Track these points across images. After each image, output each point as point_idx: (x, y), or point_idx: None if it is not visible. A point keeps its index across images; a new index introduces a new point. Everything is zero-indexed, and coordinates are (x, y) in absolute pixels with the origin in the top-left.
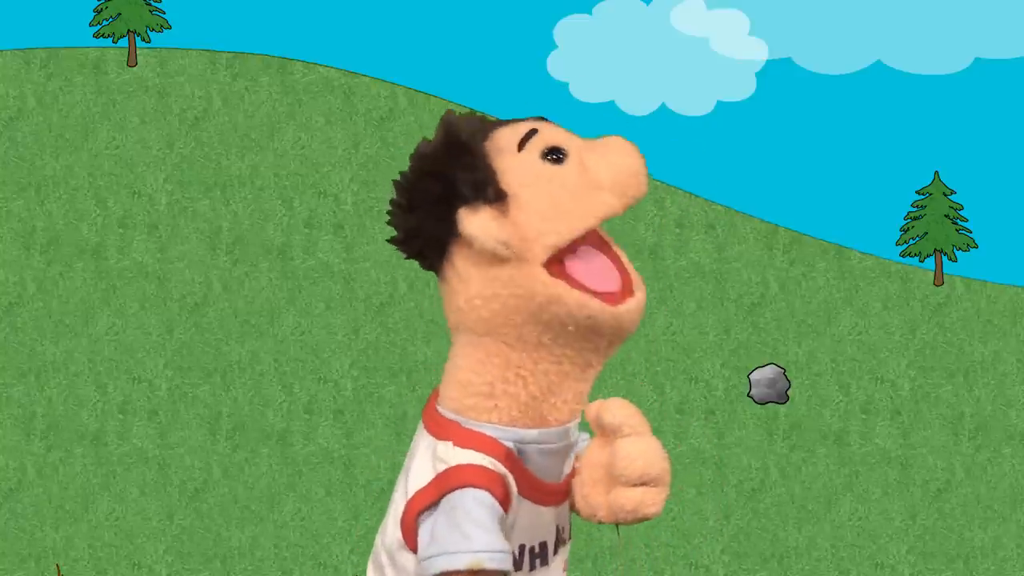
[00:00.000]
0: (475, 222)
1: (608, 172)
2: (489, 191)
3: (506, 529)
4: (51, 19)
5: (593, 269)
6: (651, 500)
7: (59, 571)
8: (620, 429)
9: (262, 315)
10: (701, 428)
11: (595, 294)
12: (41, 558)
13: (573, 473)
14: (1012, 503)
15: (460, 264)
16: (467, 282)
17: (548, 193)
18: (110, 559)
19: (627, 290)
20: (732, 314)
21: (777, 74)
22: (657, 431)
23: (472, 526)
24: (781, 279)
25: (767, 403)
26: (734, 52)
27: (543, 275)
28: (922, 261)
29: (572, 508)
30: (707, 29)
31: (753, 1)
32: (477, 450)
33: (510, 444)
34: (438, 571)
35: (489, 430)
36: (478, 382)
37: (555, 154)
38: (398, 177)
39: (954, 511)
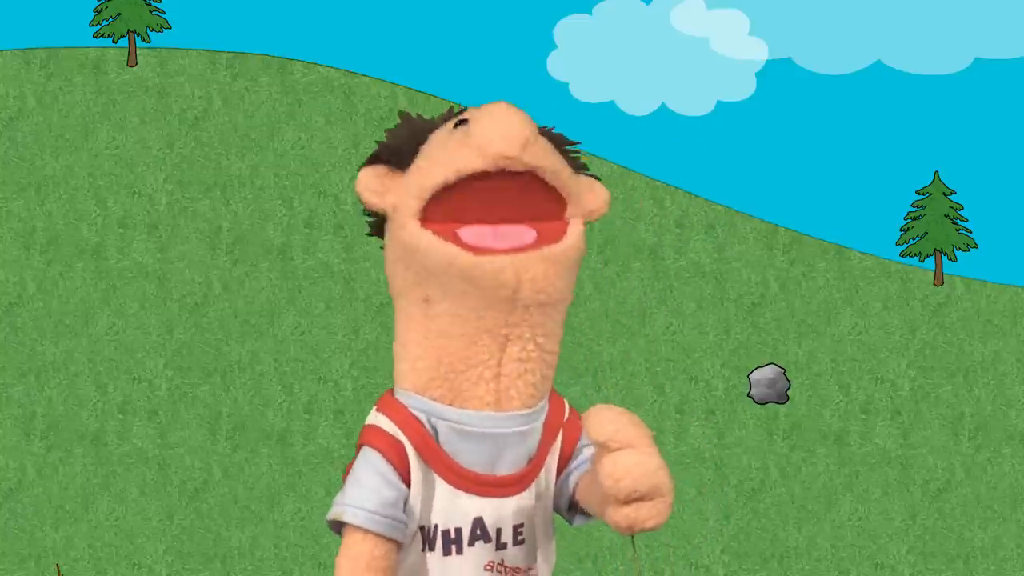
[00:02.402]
0: (360, 176)
1: (477, 132)
2: (382, 152)
3: (401, 497)
4: (51, 19)
5: (486, 233)
6: (646, 515)
7: (59, 571)
8: (607, 445)
9: (262, 315)
10: (701, 428)
11: (461, 244)
12: (41, 558)
13: (528, 471)
14: (1012, 503)
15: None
16: (385, 244)
17: (430, 154)
18: (110, 559)
19: (514, 250)
20: (732, 314)
21: (777, 74)
22: (657, 431)
23: (351, 481)
24: (781, 279)
25: (767, 403)
26: (734, 52)
27: (413, 226)
28: (922, 261)
29: (595, 514)
30: (707, 29)
31: (753, 1)
32: (384, 413)
33: (420, 415)
34: (325, 519)
35: (404, 397)
36: (399, 347)
37: (460, 123)
38: None
39: (954, 511)
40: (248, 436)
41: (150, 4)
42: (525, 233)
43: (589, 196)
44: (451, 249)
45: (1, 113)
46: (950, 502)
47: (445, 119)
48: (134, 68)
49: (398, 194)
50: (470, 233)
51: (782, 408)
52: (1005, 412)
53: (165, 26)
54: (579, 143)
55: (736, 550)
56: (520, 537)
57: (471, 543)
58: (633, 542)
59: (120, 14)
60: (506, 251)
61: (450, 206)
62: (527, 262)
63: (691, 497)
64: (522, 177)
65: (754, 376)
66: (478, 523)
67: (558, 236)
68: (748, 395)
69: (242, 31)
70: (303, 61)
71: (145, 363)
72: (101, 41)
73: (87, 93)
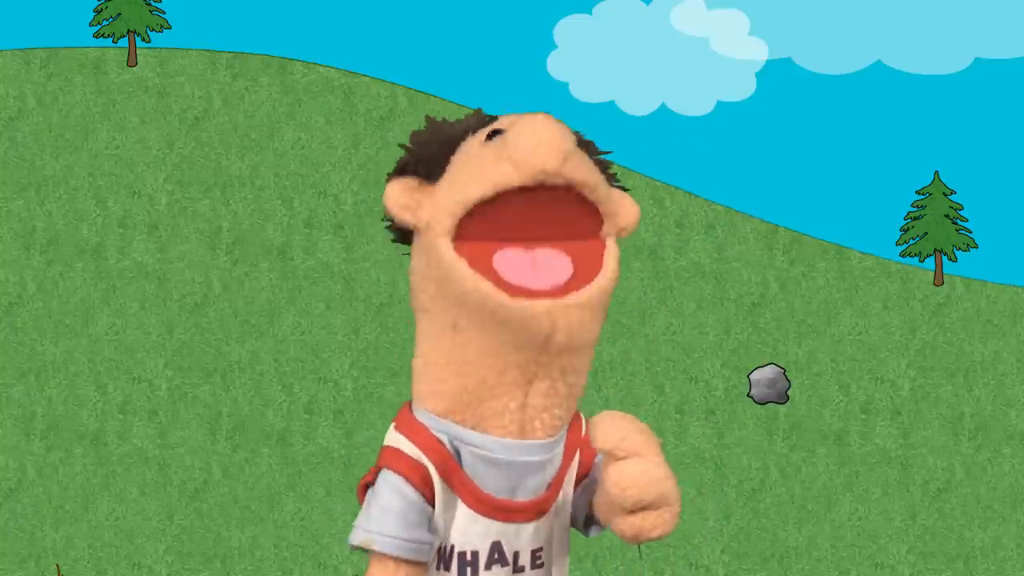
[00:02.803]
0: (387, 188)
1: (511, 143)
2: (412, 165)
3: (427, 518)
4: (51, 19)
5: (526, 265)
6: (652, 524)
7: (59, 571)
8: (613, 453)
9: (262, 315)
10: (701, 428)
11: (498, 282)
12: (41, 558)
13: (548, 496)
14: (1012, 503)
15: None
16: (411, 256)
17: (463, 167)
18: (110, 559)
19: (551, 293)
20: (732, 314)
21: (777, 74)
22: (657, 431)
23: (376, 507)
24: (781, 279)
25: (767, 403)
26: (734, 52)
27: (445, 247)
28: (922, 261)
29: (602, 524)
30: (707, 29)
31: (753, 1)
32: (406, 435)
33: (443, 437)
34: (349, 542)
35: (425, 418)
36: (417, 364)
37: (493, 135)
38: None
39: (954, 511)
40: (248, 436)
41: (150, 4)
42: (562, 266)
43: (623, 213)
44: (487, 288)
45: (1, 113)
46: (950, 502)
47: (474, 127)
48: (134, 68)
49: (430, 210)
50: (506, 260)
51: (782, 408)
52: (1005, 412)
53: (165, 26)
54: (611, 152)
55: (736, 550)
56: (539, 561)
57: (488, 567)
58: (640, 550)
59: (120, 14)
60: (543, 294)
61: (485, 223)
62: (564, 311)
63: (691, 497)
64: (560, 191)
65: (754, 376)
66: (496, 547)
67: (594, 267)
68: (748, 395)
69: (242, 31)
70: (303, 61)
71: (145, 363)
72: (101, 41)
73: (87, 93)
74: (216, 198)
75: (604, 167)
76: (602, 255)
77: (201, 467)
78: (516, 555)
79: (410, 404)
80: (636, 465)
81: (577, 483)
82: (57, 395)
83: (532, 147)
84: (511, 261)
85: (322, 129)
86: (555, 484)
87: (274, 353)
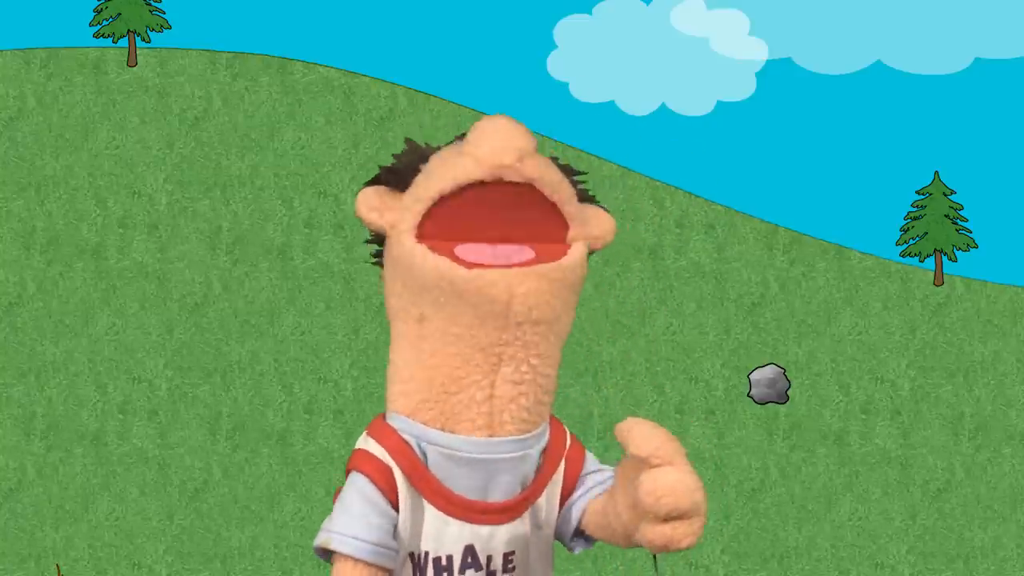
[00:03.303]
0: (359, 195)
1: (473, 141)
2: (385, 174)
3: (390, 523)
4: (51, 19)
5: (484, 250)
6: (682, 534)
7: (59, 571)
8: (648, 460)
9: (262, 315)
10: (701, 428)
11: (455, 259)
12: (41, 558)
13: (523, 499)
14: (1012, 503)
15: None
16: (384, 271)
17: (429, 169)
18: (110, 559)
19: (507, 266)
20: (732, 314)
21: (777, 74)
22: None
23: (339, 508)
24: (781, 279)
25: (767, 403)
26: (734, 52)
27: (408, 240)
28: (922, 261)
29: (609, 536)
30: (707, 29)
31: (753, 1)
32: (374, 438)
33: (410, 439)
34: (313, 544)
35: (394, 421)
36: (392, 369)
37: (460, 137)
38: None
39: (954, 511)
40: (248, 436)
41: (150, 4)
42: (523, 252)
43: (595, 222)
44: (443, 262)
45: (1, 113)
46: (950, 502)
47: (450, 141)
48: (134, 68)
49: (396, 211)
50: (467, 250)
51: (782, 408)
52: (1005, 412)
53: (165, 26)
54: (586, 173)
55: (736, 550)
56: (511, 565)
57: (462, 571)
58: (655, 560)
59: (120, 14)
60: (499, 266)
61: (447, 221)
62: (520, 277)
63: None
64: (521, 190)
65: (754, 376)
66: (469, 551)
67: (557, 257)
68: (748, 395)
69: (242, 31)
70: (303, 61)
71: (145, 363)
72: (101, 41)
73: (87, 93)
74: (216, 198)
75: (577, 185)
76: (566, 252)
77: (201, 467)
78: (489, 559)
79: (384, 414)
80: (672, 474)
81: (564, 497)
82: (57, 395)
83: (490, 141)
84: (471, 249)
85: (322, 129)
86: (532, 489)
87: (274, 353)
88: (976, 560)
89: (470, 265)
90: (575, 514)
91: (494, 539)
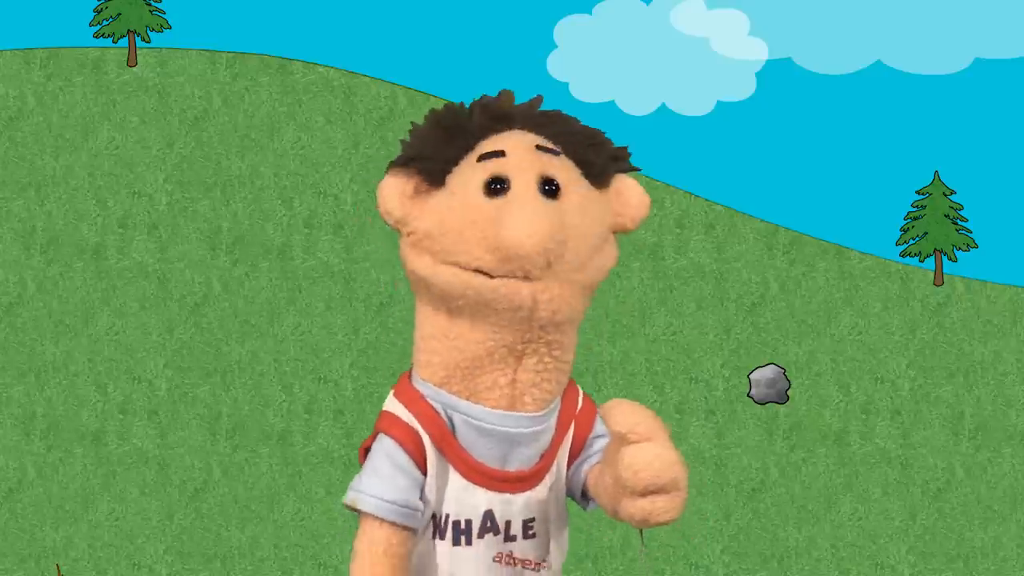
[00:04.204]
0: (383, 182)
1: (501, 236)
2: (420, 164)
3: (416, 485)
4: (51, 19)
5: None
6: (662, 508)
7: (59, 571)
8: (626, 437)
9: (262, 315)
10: (701, 428)
11: (475, 271)
12: (41, 558)
13: (539, 468)
14: (1012, 503)
15: None
16: (402, 249)
17: (455, 215)
18: (110, 559)
19: (524, 276)
20: (732, 314)
21: (777, 74)
22: None
23: (368, 469)
24: (781, 279)
25: (767, 403)
26: (734, 52)
27: (415, 259)
28: (922, 261)
29: (602, 506)
30: (707, 29)
31: (753, 1)
32: (403, 402)
33: (437, 406)
34: (343, 501)
35: (422, 386)
36: (418, 337)
37: (495, 184)
38: None
39: (954, 511)
40: (248, 436)
41: (150, 4)
42: None
43: (622, 201)
44: (466, 277)
45: (1, 113)
46: (950, 502)
47: (478, 133)
48: (134, 68)
49: (418, 217)
50: None
51: (782, 408)
52: (1005, 412)
53: (165, 26)
54: (603, 135)
55: (736, 550)
56: (531, 531)
57: (480, 535)
58: (641, 535)
59: (120, 14)
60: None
61: None
62: (543, 284)
63: (691, 497)
64: None
65: (754, 376)
66: (488, 516)
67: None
68: (748, 395)
69: (242, 31)
70: (303, 61)
71: (145, 363)
72: (101, 41)
73: (87, 93)
74: (216, 198)
75: (614, 155)
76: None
77: (201, 467)
78: (508, 524)
79: (410, 372)
80: (650, 449)
81: (571, 459)
82: (57, 395)
83: (517, 251)
84: None
85: (322, 129)
86: (547, 456)
87: (274, 353)
88: (976, 560)
89: (493, 274)
90: (581, 476)
91: (513, 506)
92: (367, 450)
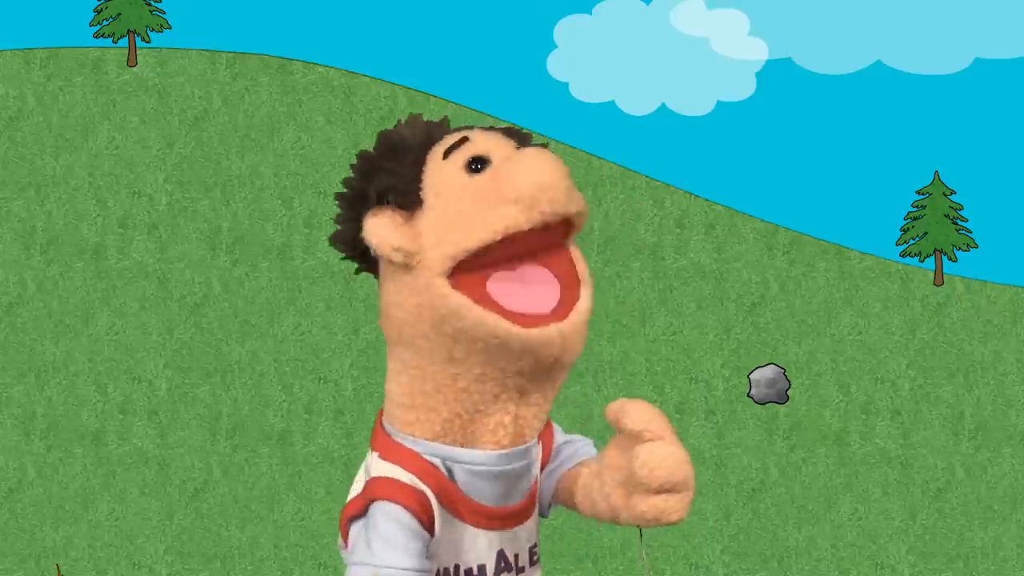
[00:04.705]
0: (373, 226)
1: (518, 185)
2: (392, 196)
3: (425, 546)
4: (51, 19)
5: (519, 288)
6: (673, 507)
7: (59, 571)
8: (641, 435)
9: (262, 315)
10: (701, 428)
11: (505, 313)
12: (41, 558)
13: (532, 493)
14: (1012, 503)
15: (380, 269)
16: (383, 287)
17: (456, 203)
18: (110, 559)
19: (555, 315)
20: (732, 314)
21: (777, 74)
22: None
23: (379, 540)
24: (781, 279)
25: (767, 403)
26: (734, 52)
27: (442, 286)
28: (922, 261)
29: (589, 511)
30: (707, 29)
31: (753, 1)
32: (398, 464)
33: (435, 460)
34: None
35: (412, 444)
36: (398, 392)
37: (476, 163)
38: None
39: (954, 511)
40: (248, 436)
41: (150, 4)
42: (548, 281)
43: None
44: (496, 321)
45: (1, 113)
46: (950, 502)
47: (425, 139)
48: (134, 68)
49: (413, 241)
50: (499, 286)
51: (782, 408)
52: (1005, 412)
53: (165, 26)
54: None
55: (736, 550)
56: (535, 557)
57: None
58: (640, 536)
59: (120, 14)
60: (549, 318)
61: (477, 259)
62: (570, 328)
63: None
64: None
65: (754, 376)
66: (500, 556)
67: (571, 274)
68: (748, 395)
69: (242, 31)
70: (303, 61)
71: (145, 363)
72: (101, 41)
73: (87, 93)
74: (216, 198)
75: (517, 135)
76: (571, 260)
77: (201, 467)
78: (516, 557)
79: (381, 432)
80: (665, 447)
81: (542, 468)
82: (57, 395)
83: (538, 189)
84: (504, 286)
85: (322, 129)
86: (536, 480)
87: (274, 353)
88: (976, 560)
89: (523, 321)
90: (551, 484)
91: (519, 538)
92: (351, 519)
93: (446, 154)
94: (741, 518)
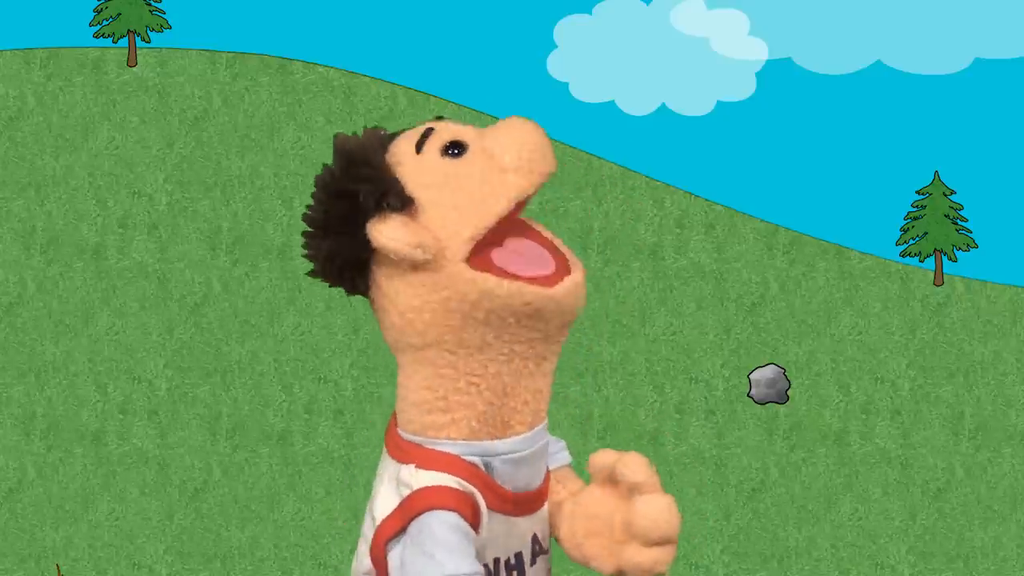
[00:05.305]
0: (385, 232)
1: (510, 153)
2: (392, 199)
3: (478, 548)
4: (51, 19)
5: (521, 255)
6: (665, 559)
7: (59, 571)
8: (641, 487)
9: (262, 315)
10: (701, 428)
11: (528, 279)
12: (41, 558)
13: (547, 481)
14: (1012, 503)
15: (383, 281)
16: (395, 297)
17: (454, 188)
18: (110, 559)
19: (562, 270)
20: (732, 314)
21: (777, 74)
22: (657, 431)
23: (441, 550)
24: (781, 279)
25: (767, 403)
26: (734, 52)
27: (468, 271)
28: (922, 261)
29: (557, 539)
30: (707, 29)
31: (753, 1)
32: (440, 470)
33: (474, 459)
34: None
35: (450, 447)
36: (431, 398)
37: (454, 148)
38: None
39: (954, 511)
40: (248, 436)
41: (150, 4)
42: (534, 245)
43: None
44: (528, 289)
45: (1, 113)
46: (950, 502)
47: (377, 144)
48: (134, 68)
49: (440, 240)
50: (503, 258)
51: (782, 408)
52: (1005, 412)
53: (165, 26)
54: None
55: (736, 550)
56: (547, 540)
57: (532, 561)
58: None
59: (120, 14)
60: (560, 275)
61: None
62: (582, 280)
63: (691, 497)
64: None
65: (754, 376)
66: (534, 540)
67: (539, 236)
68: (748, 395)
69: (242, 31)
70: (303, 61)
71: (145, 363)
72: (101, 41)
73: (87, 93)
74: (216, 198)
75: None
76: (524, 223)
77: (201, 467)
78: (545, 536)
79: (407, 441)
80: (664, 500)
81: None
82: (57, 395)
83: (530, 152)
84: (507, 258)
85: (322, 129)
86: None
87: (274, 353)
88: (976, 560)
89: (541, 282)
90: None
91: (543, 519)
92: (387, 541)
93: (418, 148)
94: (741, 518)
